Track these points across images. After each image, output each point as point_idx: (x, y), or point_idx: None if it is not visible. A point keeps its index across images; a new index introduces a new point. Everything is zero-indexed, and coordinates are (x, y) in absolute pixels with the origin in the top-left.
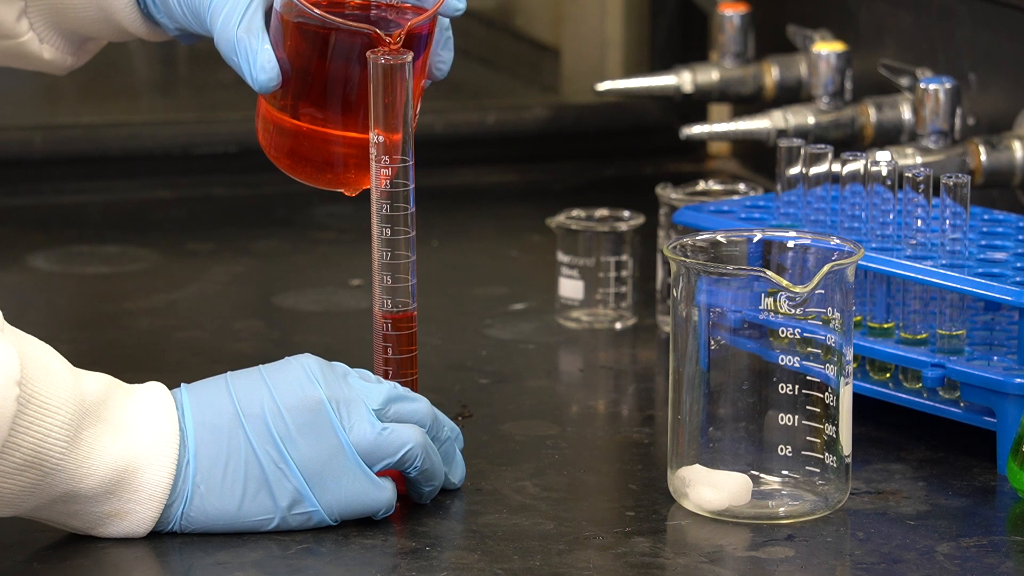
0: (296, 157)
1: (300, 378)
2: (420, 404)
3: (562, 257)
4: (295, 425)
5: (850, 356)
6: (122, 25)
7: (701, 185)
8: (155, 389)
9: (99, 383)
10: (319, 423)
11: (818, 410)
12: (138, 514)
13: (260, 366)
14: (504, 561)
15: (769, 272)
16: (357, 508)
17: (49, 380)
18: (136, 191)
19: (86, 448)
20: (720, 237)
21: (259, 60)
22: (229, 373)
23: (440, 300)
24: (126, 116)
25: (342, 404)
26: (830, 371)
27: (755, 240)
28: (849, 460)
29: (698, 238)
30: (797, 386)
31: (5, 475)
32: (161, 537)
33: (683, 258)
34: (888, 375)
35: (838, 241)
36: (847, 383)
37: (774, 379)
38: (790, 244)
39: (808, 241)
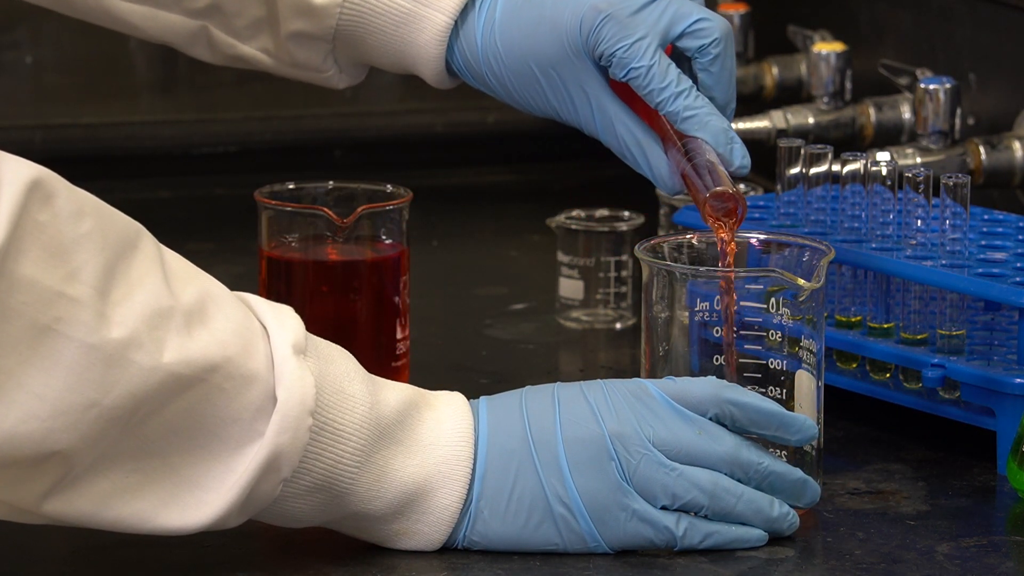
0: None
1: (586, 411)
2: (718, 447)
3: (562, 257)
4: (575, 461)
5: (814, 349)
6: (422, 76)
7: None
8: (455, 403)
9: (398, 399)
10: (600, 460)
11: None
12: (426, 535)
13: (556, 387)
14: (504, 561)
15: (783, 272)
16: (639, 544)
17: (345, 406)
18: (136, 191)
19: (377, 472)
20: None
21: (662, 171)
22: (527, 390)
23: (440, 300)
24: (126, 116)
25: (627, 441)
26: (793, 360)
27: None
28: (816, 452)
29: (668, 240)
30: (760, 375)
31: (295, 496)
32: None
33: (660, 261)
34: (888, 375)
35: (808, 241)
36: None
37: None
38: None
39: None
